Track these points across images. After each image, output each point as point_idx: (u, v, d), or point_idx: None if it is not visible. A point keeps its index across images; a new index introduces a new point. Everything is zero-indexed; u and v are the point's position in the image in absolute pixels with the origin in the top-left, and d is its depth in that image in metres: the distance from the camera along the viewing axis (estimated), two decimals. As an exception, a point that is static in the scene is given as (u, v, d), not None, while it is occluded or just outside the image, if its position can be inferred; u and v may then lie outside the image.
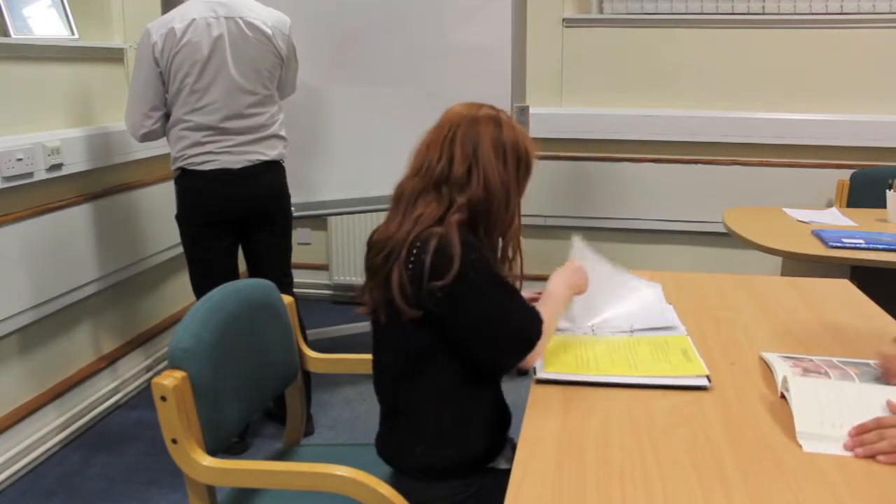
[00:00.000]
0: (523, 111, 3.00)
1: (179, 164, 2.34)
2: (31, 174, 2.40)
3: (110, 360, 2.87)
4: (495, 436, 1.44)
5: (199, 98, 2.28)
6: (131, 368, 3.00)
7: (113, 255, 2.83)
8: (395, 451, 1.43)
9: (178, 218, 2.42)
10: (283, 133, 2.46)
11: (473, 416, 1.39)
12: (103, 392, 2.82)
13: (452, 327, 1.30)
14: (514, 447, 1.47)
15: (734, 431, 1.15)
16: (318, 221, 3.91)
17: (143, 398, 2.97)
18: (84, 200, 2.68)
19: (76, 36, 2.71)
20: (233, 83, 2.29)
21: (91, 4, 2.85)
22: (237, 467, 1.35)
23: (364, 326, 3.25)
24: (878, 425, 1.09)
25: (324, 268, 4.00)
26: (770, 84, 3.41)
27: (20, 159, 2.35)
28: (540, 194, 3.60)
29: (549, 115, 3.50)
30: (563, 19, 3.53)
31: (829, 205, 3.28)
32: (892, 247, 2.25)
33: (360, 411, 2.83)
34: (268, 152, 2.40)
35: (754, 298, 1.81)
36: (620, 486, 1.01)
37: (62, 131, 2.58)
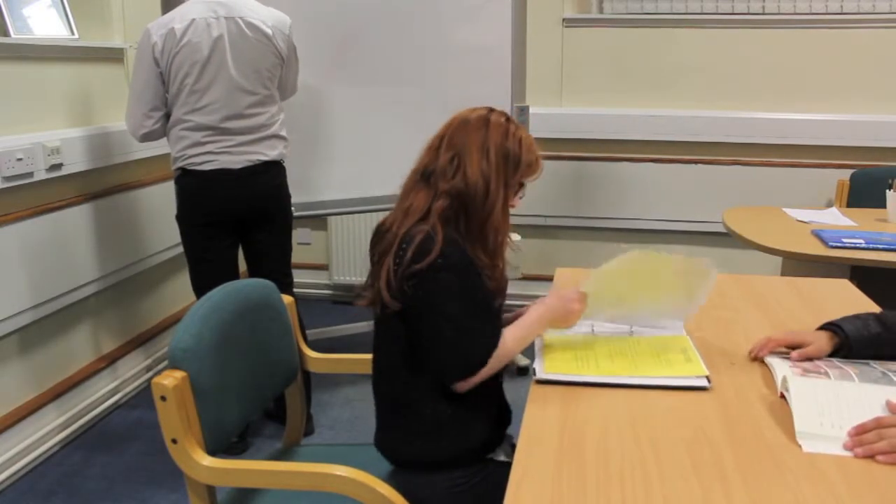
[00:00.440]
0: (523, 111, 3.00)
1: (180, 164, 2.34)
2: (31, 174, 2.40)
3: (110, 360, 2.87)
4: (493, 430, 1.46)
5: (199, 98, 2.28)
6: (131, 368, 3.00)
7: (113, 255, 2.83)
8: (392, 445, 1.45)
9: (179, 218, 2.42)
10: (283, 133, 2.46)
11: (470, 410, 1.41)
12: (103, 392, 2.82)
13: (416, 324, 1.35)
14: (512, 444, 1.48)
15: (734, 431, 1.15)
16: (318, 221, 3.91)
17: (143, 398, 2.97)
18: (84, 200, 2.68)
19: (76, 36, 2.71)
20: (233, 83, 2.29)
21: (91, 4, 2.85)
22: (237, 467, 1.35)
23: (364, 326, 3.25)
24: (877, 425, 1.09)
25: (324, 268, 4.00)
26: (770, 84, 3.41)
27: (20, 159, 2.35)
28: (540, 194, 3.60)
29: (549, 115, 3.50)
30: (563, 19, 3.53)
31: (829, 205, 3.28)
32: (892, 247, 2.24)
33: (360, 411, 2.83)
34: (268, 152, 2.40)
35: (754, 298, 1.81)
36: (620, 486, 1.01)
37: (62, 131, 2.58)
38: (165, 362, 1.34)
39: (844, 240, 2.31)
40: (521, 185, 1.45)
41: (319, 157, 2.88)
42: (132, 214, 2.95)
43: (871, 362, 1.35)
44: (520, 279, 3.33)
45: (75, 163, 2.60)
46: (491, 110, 1.44)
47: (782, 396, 1.26)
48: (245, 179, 2.36)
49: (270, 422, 2.71)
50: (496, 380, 1.49)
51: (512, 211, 1.45)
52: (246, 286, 1.56)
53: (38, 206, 2.47)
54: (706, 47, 3.43)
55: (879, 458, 1.06)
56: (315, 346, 1.85)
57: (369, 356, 1.51)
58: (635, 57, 3.50)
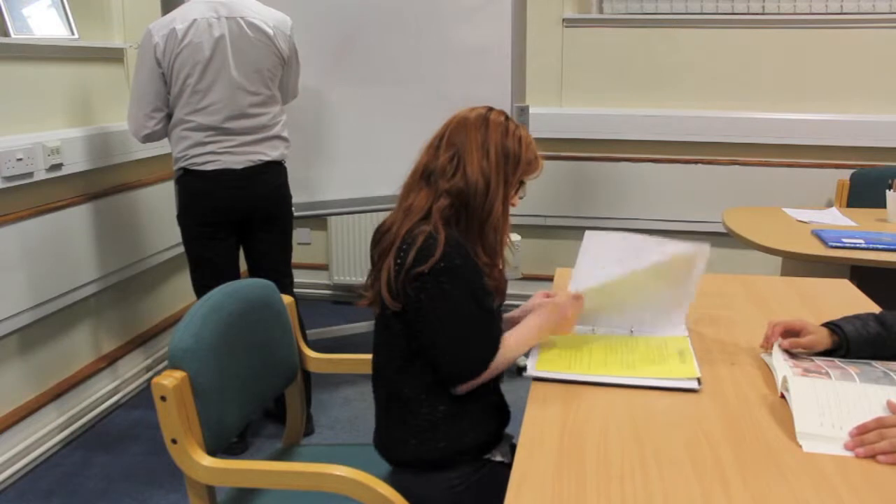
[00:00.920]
0: (523, 111, 3.00)
1: (181, 164, 2.34)
2: (31, 174, 2.40)
3: (110, 360, 2.87)
4: (490, 431, 1.46)
5: (200, 98, 2.28)
6: (131, 368, 3.00)
7: (113, 255, 2.83)
8: (391, 445, 1.45)
9: (180, 218, 2.42)
10: (285, 134, 2.46)
11: (466, 411, 1.41)
12: (103, 392, 2.82)
13: (417, 326, 1.35)
14: (512, 444, 1.48)
15: (734, 431, 1.15)
16: (318, 221, 3.91)
17: (143, 398, 2.97)
18: (84, 200, 2.68)
19: (76, 36, 2.71)
20: (234, 84, 2.29)
21: (91, 4, 2.85)
22: (237, 467, 1.35)
23: (364, 326, 3.25)
24: (879, 425, 1.09)
25: (324, 268, 4.01)
26: (770, 84, 3.41)
27: (20, 159, 2.35)
28: (540, 194, 3.60)
29: (548, 115, 3.50)
30: (563, 19, 3.53)
31: (829, 205, 3.28)
32: (892, 247, 2.25)
33: (360, 411, 2.83)
34: (269, 152, 2.40)
35: (754, 298, 1.81)
36: (620, 487, 1.01)
37: (62, 131, 2.58)
38: (165, 362, 1.34)
39: (844, 240, 2.31)
40: (522, 184, 1.45)
41: (320, 157, 2.88)
42: (132, 214, 2.95)
43: (872, 362, 1.35)
44: (520, 279, 3.33)
45: (75, 163, 2.60)
46: (490, 109, 1.45)
47: (782, 396, 1.26)
48: (247, 179, 2.36)
49: (270, 422, 2.71)
50: (495, 380, 1.49)
51: (512, 210, 1.45)
52: (246, 286, 1.56)
53: (38, 206, 2.47)
54: (706, 47, 3.43)
55: (881, 458, 1.06)
56: (315, 346, 1.85)
57: (369, 356, 1.51)
58: (635, 57, 3.50)
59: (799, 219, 2.69)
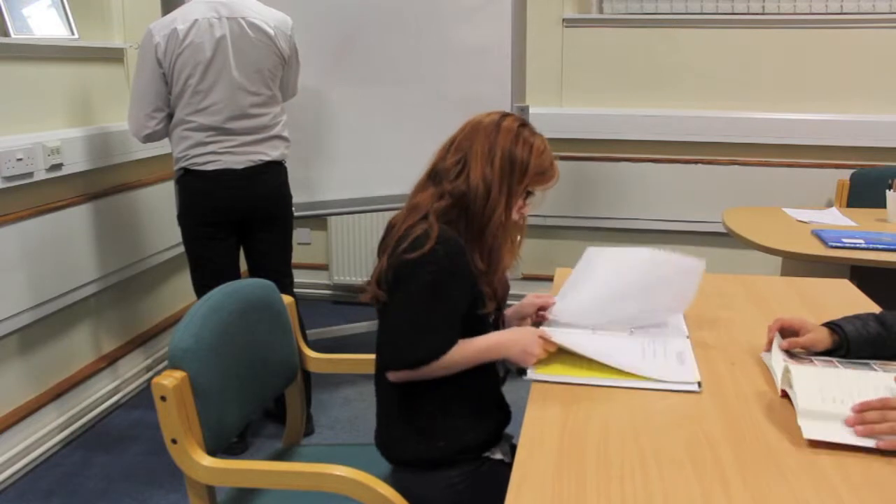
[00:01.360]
0: (523, 111, 3.00)
1: (182, 164, 2.34)
2: (31, 174, 2.40)
3: (110, 360, 2.87)
4: (490, 430, 1.46)
5: (202, 99, 2.28)
6: (131, 368, 3.00)
7: (113, 255, 2.83)
8: (390, 443, 1.46)
9: (180, 218, 2.42)
10: (285, 134, 2.46)
11: (465, 410, 1.41)
12: (103, 392, 2.82)
13: (387, 310, 1.36)
14: (512, 444, 1.48)
15: (734, 431, 1.15)
16: (318, 221, 3.91)
17: (143, 398, 2.97)
18: (84, 200, 2.68)
19: (76, 36, 2.71)
20: (235, 84, 2.29)
21: (91, 4, 2.85)
22: (237, 467, 1.35)
23: (364, 326, 3.25)
24: (883, 406, 1.09)
25: (324, 268, 4.01)
26: (770, 84, 3.41)
27: (20, 159, 2.35)
28: (540, 194, 3.59)
29: (548, 115, 3.50)
30: (563, 19, 3.53)
31: (829, 205, 3.28)
32: (892, 247, 2.25)
33: (360, 411, 2.83)
34: (270, 152, 2.40)
35: (754, 298, 1.81)
36: (620, 487, 1.01)
37: (62, 131, 2.58)
38: (165, 362, 1.34)
39: (844, 240, 2.31)
40: (530, 194, 1.44)
41: (320, 157, 2.88)
42: (132, 214, 2.95)
43: (872, 363, 1.35)
44: (520, 279, 3.34)
45: (75, 163, 2.60)
46: (505, 115, 1.44)
47: (783, 395, 1.26)
48: (247, 179, 2.36)
49: (270, 422, 2.71)
50: (496, 380, 1.49)
51: None
52: (246, 286, 1.56)
53: (38, 206, 2.47)
54: (706, 47, 3.43)
55: (879, 443, 1.06)
56: (315, 346, 1.85)
57: (369, 356, 1.52)
58: (635, 57, 3.50)
59: (799, 219, 2.69)
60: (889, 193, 2.63)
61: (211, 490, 1.37)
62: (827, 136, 3.36)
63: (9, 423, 2.38)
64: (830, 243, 2.29)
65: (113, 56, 2.89)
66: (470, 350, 1.36)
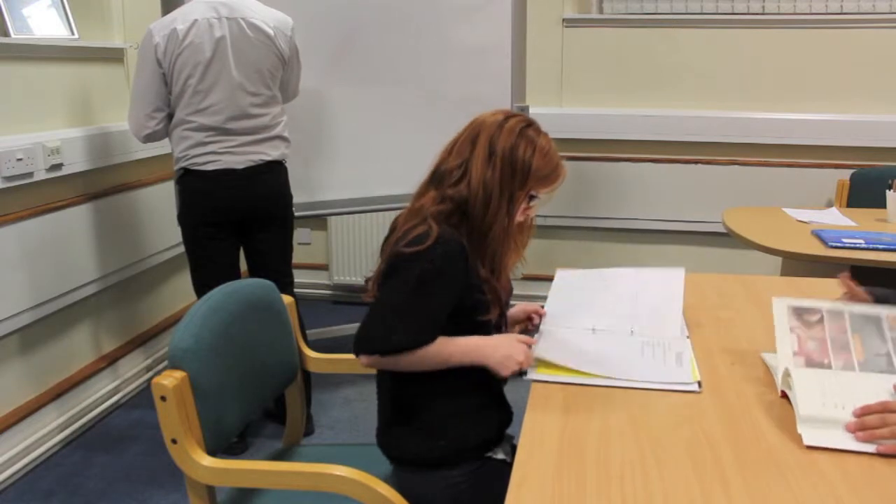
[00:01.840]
0: (523, 111, 2.98)
1: (182, 164, 2.34)
2: (31, 174, 2.40)
3: (110, 360, 2.87)
4: (492, 430, 1.45)
5: (202, 99, 2.28)
6: (131, 368, 3.00)
7: (113, 255, 2.83)
8: (393, 443, 1.46)
9: (180, 218, 2.42)
10: (285, 134, 2.46)
11: (466, 410, 1.41)
12: (103, 392, 2.82)
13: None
14: (513, 444, 1.48)
15: (734, 431, 1.15)
16: (319, 221, 3.91)
17: (143, 398, 2.97)
18: (84, 200, 2.68)
19: (76, 36, 2.71)
20: (235, 84, 2.29)
21: (91, 4, 2.85)
22: (237, 467, 1.35)
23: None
24: (883, 409, 1.08)
25: (324, 268, 4.00)
26: (770, 84, 3.41)
27: (20, 159, 2.35)
28: (540, 194, 3.59)
29: (548, 115, 3.48)
30: (563, 19, 3.53)
31: (829, 205, 3.28)
32: (892, 247, 2.25)
33: (360, 411, 2.83)
34: (270, 153, 2.40)
35: (754, 298, 1.81)
36: (620, 487, 1.01)
37: (62, 131, 2.58)
38: (165, 362, 1.34)
39: (844, 240, 2.31)
40: (533, 198, 1.42)
41: (320, 158, 2.88)
42: (132, 214, 2.95)
43: (882, 314, 1.34)
44: (520, 279, 3.33)
45: (75, 163, 2.60)
46: (509, 116, 1.41)
47: (783, 395, 1.26)
48: (248, 179, 2.36)
49: (270, 422, 2.71)
50: (496, 380, 1.49)
51: None
52: (246, 286, 1.56)
53: (38, 206, 2.47)
54: (706, 47, 3.43)
55: (879, 447, 1.06)
56: (315, 346, 1.85)
57: (369, 356, 1.51)
58: (635, 57, 3.50)
59: (799, 219, 2.69)
60: (889, 193, 2.63)
61: (211, 490, 1.37)
62: (827, 136, 3.36)
63: (9, 423, 2.38)
64: (830, 243, 2.29)
65: (113, 56, 2.89)
66: (447, 350, 1.33)
